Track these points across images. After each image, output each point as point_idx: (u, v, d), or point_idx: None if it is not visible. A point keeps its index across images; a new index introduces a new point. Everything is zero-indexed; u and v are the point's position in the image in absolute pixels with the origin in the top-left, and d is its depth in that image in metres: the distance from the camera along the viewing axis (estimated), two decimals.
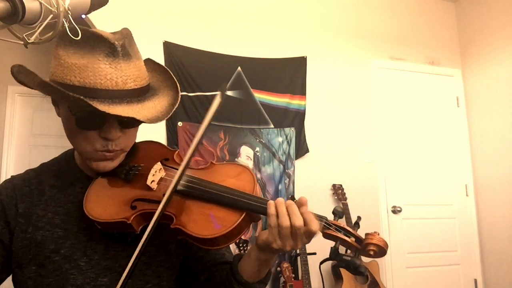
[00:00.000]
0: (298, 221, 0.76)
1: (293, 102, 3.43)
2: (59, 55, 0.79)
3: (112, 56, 0.78)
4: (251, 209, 0.81)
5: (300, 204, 0.80)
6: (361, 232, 0.82)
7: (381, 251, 0.78)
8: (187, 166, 0.80)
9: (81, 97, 0.74)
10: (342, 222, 0.83)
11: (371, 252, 0.78)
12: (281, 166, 3.32)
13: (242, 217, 0.80)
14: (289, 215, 0.77)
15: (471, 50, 4.04)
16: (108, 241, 0.87)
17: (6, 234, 0.86)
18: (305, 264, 2.97)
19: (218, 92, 0.78)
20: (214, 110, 0.77)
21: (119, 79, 0.79)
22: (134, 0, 3.14)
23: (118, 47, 0.79)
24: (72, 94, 0.74)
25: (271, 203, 0.79)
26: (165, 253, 0.92)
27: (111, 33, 0.85)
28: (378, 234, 0.79)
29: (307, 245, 2.99)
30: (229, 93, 3.27)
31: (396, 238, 3.60)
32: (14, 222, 0.86)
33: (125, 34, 0.85)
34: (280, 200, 0.80)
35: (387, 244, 0.79)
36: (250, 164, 3.23)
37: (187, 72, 3.13)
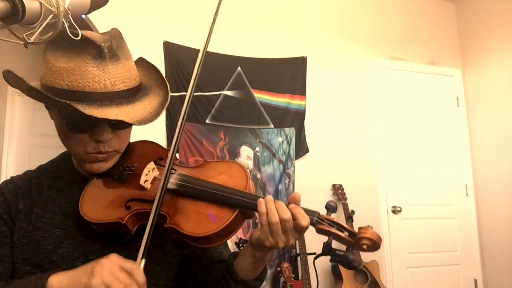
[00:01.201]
0: (286, 215, 0.77)
1: (293, 102, 3.43)
2: (47, 59, 0.80)
3: (99, 59, 0.78)
4: (244, 206, 0.81)
5: (293, 200, 0.81)
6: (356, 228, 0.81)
7: (374, 245, 0.77)
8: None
9: (68, 101, 0.74)
10: (335, 216, 0.82)
11: (364, 246, 0.77)
12: (281, 166, 3.32)
13: (234, 214, 0.80)
14: (277, 211, 0.78)
15: (471, 50, 4.04)
16: (105, 241, 0.88)
17: (12, 229, 0.87)
18: (305, 264, 2.97)
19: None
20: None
21: (107, 81, 0.79)
22: (134, 0, 3.14)
23: (104, 49, 0.79)
24: (58, 99, 0.74)
25: (261, 201, 0.79)
26: (162, 252, 0.92)
27: (101, 33, 0.85)
28: (372, 228, 0.78)
29: (307, 245, 2.99)
30: (229, 93, 3.27)
31: (396, 238, 3.60)
32: (15, 218, 0.87)
33: (113, 35, 0.84)
34: (269, 198, 0.80)
35: (380, 238, 0.78)
36: (250, 164, 3.23)
37: (187, 72, 3.13)
